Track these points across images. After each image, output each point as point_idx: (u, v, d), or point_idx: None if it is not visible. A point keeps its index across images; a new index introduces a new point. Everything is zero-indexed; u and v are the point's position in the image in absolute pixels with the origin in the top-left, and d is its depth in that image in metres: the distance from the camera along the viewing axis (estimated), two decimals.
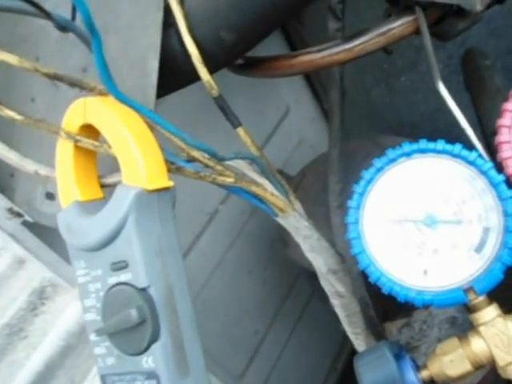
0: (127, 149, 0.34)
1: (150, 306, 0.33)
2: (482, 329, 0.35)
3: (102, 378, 0.37)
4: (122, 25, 0.42)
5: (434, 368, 0.37)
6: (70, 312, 0.54)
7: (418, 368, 0.37)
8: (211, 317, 0.81)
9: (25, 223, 0.50)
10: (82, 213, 0.37)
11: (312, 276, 0.69)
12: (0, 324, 0.50)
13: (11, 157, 0.41)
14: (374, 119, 1.08)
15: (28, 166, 0.41)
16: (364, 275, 0.47)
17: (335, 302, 0.50)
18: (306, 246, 0.45)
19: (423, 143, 0.37)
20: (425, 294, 0.35)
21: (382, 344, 0.38)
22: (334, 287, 0.49)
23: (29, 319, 0.52)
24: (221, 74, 0.43)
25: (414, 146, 0.37)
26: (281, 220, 0.44)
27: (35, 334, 0.52)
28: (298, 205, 0.45)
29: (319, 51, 0.41)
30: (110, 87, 0.35)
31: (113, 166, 0.38)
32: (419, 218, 0.37)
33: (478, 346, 0.35)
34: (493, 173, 0.35)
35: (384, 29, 0.39)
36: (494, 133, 0.40)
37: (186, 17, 0.40)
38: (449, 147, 0.36)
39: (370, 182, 0.38)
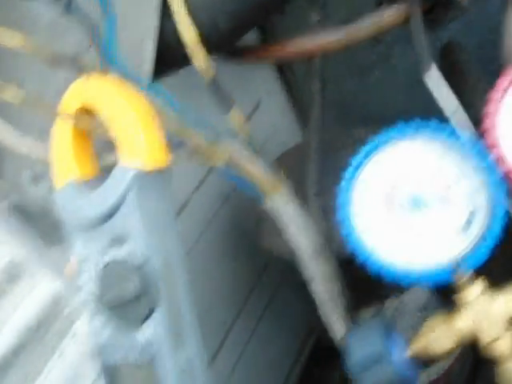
0: (126, 129, 0.35)
1: (148, 280, 0.33)
2: (467, 306, 0.37)
3: (98, 350, 0.37)
4: (120, 7, 0.43)
5: (419, 344, 0.38)
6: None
7: (404, 345, 0.39)
8: None
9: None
10: (79, 191, 0.37)
11: (284, 265, 0.71)
12: None
13: (7, 135, 0.41)
14: (344, 111, 1.09)
15: (22, 145, 0.42)
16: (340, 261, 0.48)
17: (317, 285, 0.51)
18: (291, 228, 0.46)
19: (415, 126, 0.38)
20: (412, 273, 0.37)
21: (371, 321, 0.39)
22: (318, 270, 0.50)
23: None
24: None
25: (403, 131, 0.38)
26: (268, 202, 0.45)
27: None
28: (284, 184, 0.46)
29: (312, 37, 0.42)
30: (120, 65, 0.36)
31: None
32: (407, 200, 0.38)
33: (463, 323, 0.37)
34: (481, 156, 0.36)
35: (376, 17, 0.40)
36: (477, 123, 0.42)
37: (185, 2, 0.41)
38: (438, 132, 0.37)
39: (359, 166, 0.39)
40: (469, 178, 0.37)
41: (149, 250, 0.34)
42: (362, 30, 0.41)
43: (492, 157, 0.37)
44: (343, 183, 0.39)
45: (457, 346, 0.37)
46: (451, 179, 0.38)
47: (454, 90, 0.54)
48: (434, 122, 0.38)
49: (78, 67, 0.38)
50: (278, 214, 0.45)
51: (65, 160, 0.39)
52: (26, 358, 0.53)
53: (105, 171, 0.40)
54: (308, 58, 0.46)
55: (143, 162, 0.34)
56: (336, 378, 0.90)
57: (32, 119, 0.44)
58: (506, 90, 0.38)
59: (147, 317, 0.34)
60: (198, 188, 0.86)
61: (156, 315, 0.34)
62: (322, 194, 0.66)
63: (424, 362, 0.39)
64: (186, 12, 0.40)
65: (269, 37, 0.78)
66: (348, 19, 0.41)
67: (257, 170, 0.42)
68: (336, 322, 0.54)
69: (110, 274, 0.35)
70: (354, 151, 0.74)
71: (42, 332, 0.51)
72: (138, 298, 0.33)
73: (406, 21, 0.40)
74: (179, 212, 0.83)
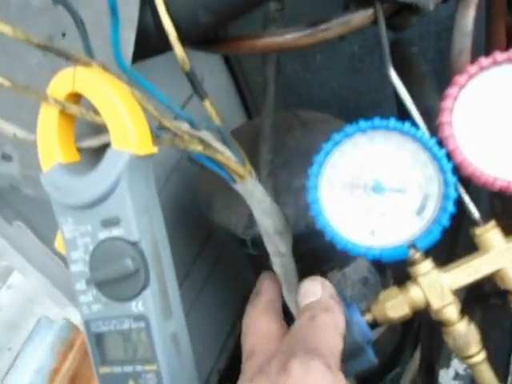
0: (118, 116, 0.37)
1: (142, 258, 0.37)
2: (419, 279, 0.42)
3: (86, 323, 0.40)
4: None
5: (376, 311, 0.43)
6: None
7: (363, 312, 0.44)
8: None
9: None
10: (68, 173, 0.40)
11: (231, 239, 0.75)
12: None
13: None
14: (287, 94, 1.13)
15: (7, 128, 0.43)
16: None
17: (276, 260, 0.55)
18: (258, 209, 0.50)
19: (377, 121, 0.42)
20: (373, 250, 0.42)
21: None
22: (278, 247, 0.54)
23: None
24: None
25: (369, 123, 0.42)
26: (238, 186, 0.48)
27: None
28: (253, 171, 0.49)
29: (283, 34, 0.45)
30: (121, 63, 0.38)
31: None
32: (369, 185, 0.43)
33: (415, 293, 0.42)
34: (436, 148, 0.41)
35: (345, 19, 0.44)
36: (424, 113, 0.47)
37: None
38: (399, 125, 0.42)
39: (328, 153, 0.43)
40: (423, 166, 0.42)
41: (140, 230, 0.37)
42: (331, 30, 0.44)
43: (445, 148, 0.42)
44: (313, 168, 0.43)
45: (411, 313, 0.43)
46: (408, 167, 0.42)
47: (403, 81, 0.58)
48: (394, 117, 0.42)
49: (66, 56, 0.41)
50: (247, 196, 0.49)
51: (51, 144, 0.41)
52: None
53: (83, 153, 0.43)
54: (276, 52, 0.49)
55: (135, 147, 0.37)
56: None
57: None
58: (461, 87, 0.43)
59: (140, 292, 0.37)
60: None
61: (147, 291, 0.37)
62: (274, 175, 0.70)
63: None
64: (165, 7, 0.42)
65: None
66: (318, 19, 0.45)
67: (230, 158, 0.45)
68: (290, 295, 0.59)
69: (105, 251, 0.37)
70: (300, 133, 0.78)
71: None
72: (133, 274, 0.36)
73: (373, 23, 0.44)
74: None
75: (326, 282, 0.45)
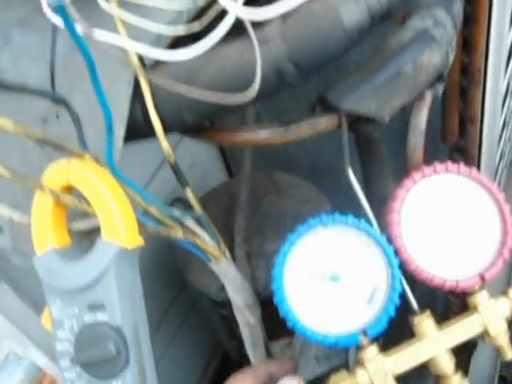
0: (109, 211, 0.42)
1: (123, 342, 0.41)
2: (366, 364, 0.47)
3: None
4: (90, 90, 0.47)
5: None
6: None
7: None
8: None
9: None
10: (60, 258, 0.44)
11: (204, 299, 0.79)
12: None
13: None
14: (262, 155, 1.19)
15: (3, 210, 0.47)
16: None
17: (245, 330, 0.61)
18: (230, 286, 0.56)
19: (338, 216, 0.47)
20: (329, 337, 0.47)
21: None
22: (247, 319, 0.59)
23: None
24: None
25: (330, 218, 0.48)
26: (213, 265, 0.53)
27: None
28: (227, 252, 0.55)
29: (258, 133, 0.51)
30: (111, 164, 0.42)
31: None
32: (327, 275, 0.48)
33: (362, 378, 0.47)
34: (386, 245, 0.47)
35: (313, 121, 0.49)
36: (380, 200, 0.53)
37: (153, 95, 0.48)
38: (356, 222, 0.47)
39: (293, 243, 0.48)
40: (375, 259, 0.48)
41: (123, 317, 0.42)
42: (300, 131, 0.50)
43: (393, 245, 0.48)
44: (279, 257, 0.48)
45: None
46: (362, 259, 0.48)
47: (362, 164, 0.64)
48: (351, 214, 0.48)
49: (62, 149, 0.45)
50: (220, 274, 0.54)
51: (45, 229, 0.45)
52: None
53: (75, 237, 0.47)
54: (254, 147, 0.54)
55: (124, 240, 0.42)
56: None
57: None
58: (408, 190, 0.49)
59: (120, 372, 0.41)
60: None
61: (127, 371, 0.41)
62: (248, 240, 0.75)
63: None
64: (153, 105, 0.47)
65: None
66: (290, 120, 0.50)
67: (207, 242, 0.50)
68: (256, 357, 0.64)
69: (90, 334, 0.42)
70: (275, 198, 0.84)
71: None
72: (114, 356, 0.41)
73: (338, 127, 0.50)
74: None
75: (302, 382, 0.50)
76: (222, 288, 0.75)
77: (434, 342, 0.47)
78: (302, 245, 0.49)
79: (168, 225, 0.48)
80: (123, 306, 0.42)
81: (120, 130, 0.48)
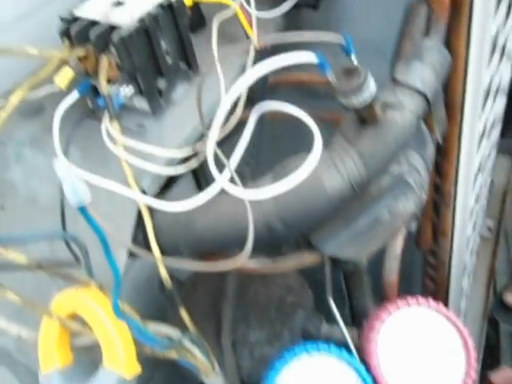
0: (111, 342, 0.46)
1: None
2: None
3: None
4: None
5: None
6: None
7: None
8: None
9: None
10: (63, 379, 0.48)
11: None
12: None
13: None
14: None
15: (12, 328, 0.51)
16: None
17: None
18: None
19: (322, 345, 0.52)
20: None
21: None
22: None
23: None
24: None
25: (315, 346, 0.52)
26: (204, 378, 0.58)
27: None
28: (215, 364, 0.59)
29: (249, 261, 0.56)
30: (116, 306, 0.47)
31: None
32: None
33: None
34: (364, 374, 0.52)
35: (299, 256, 0.54)
36: (361, 312, 0.58)
37: (154, 227, 0.53)
38: (338, 351, 0.52)
39: (279, 370, 0.53)
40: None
41: None
42: (287, 263, 0.55)
43: (371, 373, 0.52)
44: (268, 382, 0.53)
45: None
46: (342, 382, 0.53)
47: (348, 292, 0.68)
48: (333, 346, 0.53)
49: (68, 278, 0.49)
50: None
51: (51, 350, 0.49)
52: None
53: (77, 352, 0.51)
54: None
55: (124, 370, 0.46)
56: None
57: None
58: (384, 321, 0.54)
59: None
60: None
61: None
62: (233, 328, 0.78)
63: None
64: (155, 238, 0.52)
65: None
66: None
67: (200, 360, 0.55)
68: None
69: None
70: (260, 286, 0.87)
71: None
72: None
73: (321, 262, 0.55)
74: None
75: None
76: None
77: None
78: (288, 370, 0.53)
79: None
80: None
81: (122, 255, 0.52)
